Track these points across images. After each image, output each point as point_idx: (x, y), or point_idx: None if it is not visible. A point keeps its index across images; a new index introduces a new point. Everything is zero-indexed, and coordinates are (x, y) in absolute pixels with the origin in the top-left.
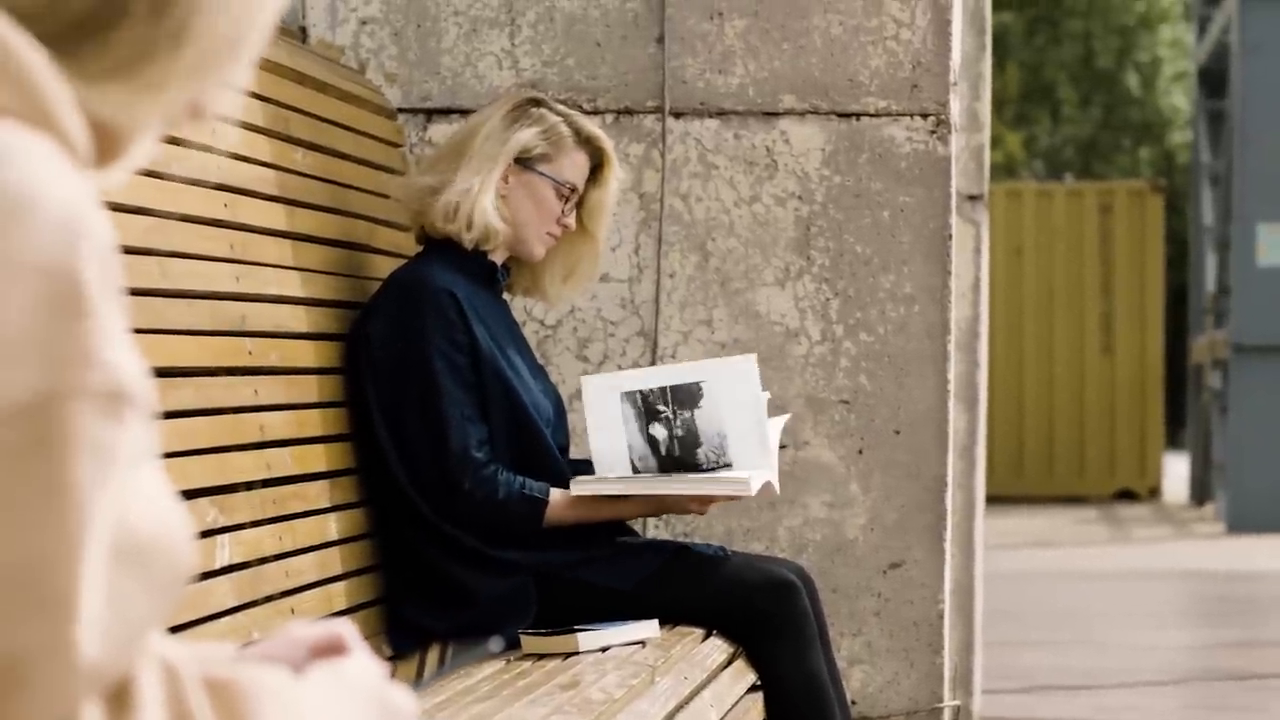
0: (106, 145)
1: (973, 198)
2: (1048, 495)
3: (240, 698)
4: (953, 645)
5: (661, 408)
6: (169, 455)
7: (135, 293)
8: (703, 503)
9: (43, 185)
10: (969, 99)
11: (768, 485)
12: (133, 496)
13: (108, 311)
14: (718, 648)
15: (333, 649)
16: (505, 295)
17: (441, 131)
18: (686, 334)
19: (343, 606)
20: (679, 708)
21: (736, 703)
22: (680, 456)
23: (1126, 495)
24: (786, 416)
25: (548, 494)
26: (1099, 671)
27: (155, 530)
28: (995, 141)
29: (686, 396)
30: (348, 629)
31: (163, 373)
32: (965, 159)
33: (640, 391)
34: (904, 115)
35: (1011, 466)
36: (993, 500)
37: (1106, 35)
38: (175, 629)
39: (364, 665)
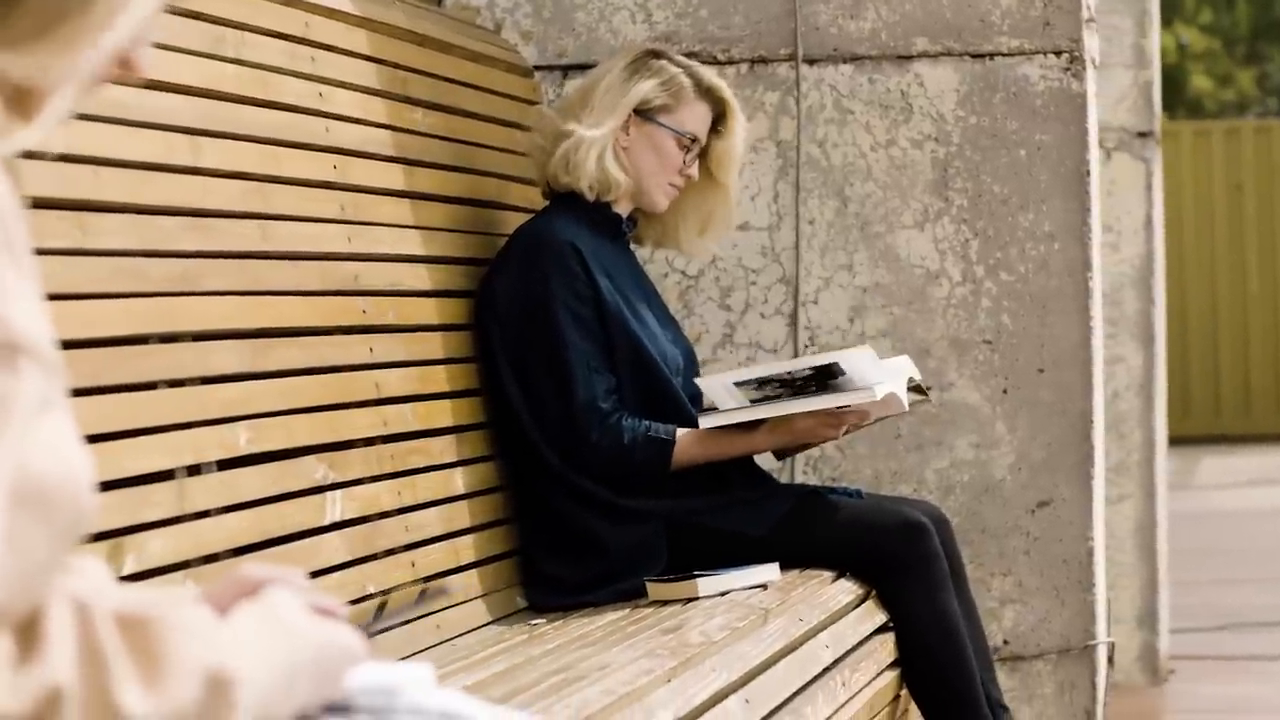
0: (26, 104)
1: (1142, 134)
2: (1276, 433)
3: (154, 633)
4: (1135, 583)
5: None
6: (274, 414)
7: (231, 256)
8: (833, 425)
9: None
10: (1135, 35)
11: (894, 398)
12: (33, 444)
13: (1, 269)
14: (846, 590)
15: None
16: (634, 247)
17: (577, 88)
18: (828, 279)
19: (471, 560)
20: (788, 650)
21: (861, 644)
22: (801, 386)
23: None
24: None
25: (674, 435)
26: None
27: (57, 476)
28: (1227, 79)
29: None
30: (296, 573)
31: (262, 334)
32: (1134, 96)
33: (758, 379)
34: (1037, 53)
35: (1238, 404)
36: (1219, 439)
37: None
38: None
39: (296, 601)
